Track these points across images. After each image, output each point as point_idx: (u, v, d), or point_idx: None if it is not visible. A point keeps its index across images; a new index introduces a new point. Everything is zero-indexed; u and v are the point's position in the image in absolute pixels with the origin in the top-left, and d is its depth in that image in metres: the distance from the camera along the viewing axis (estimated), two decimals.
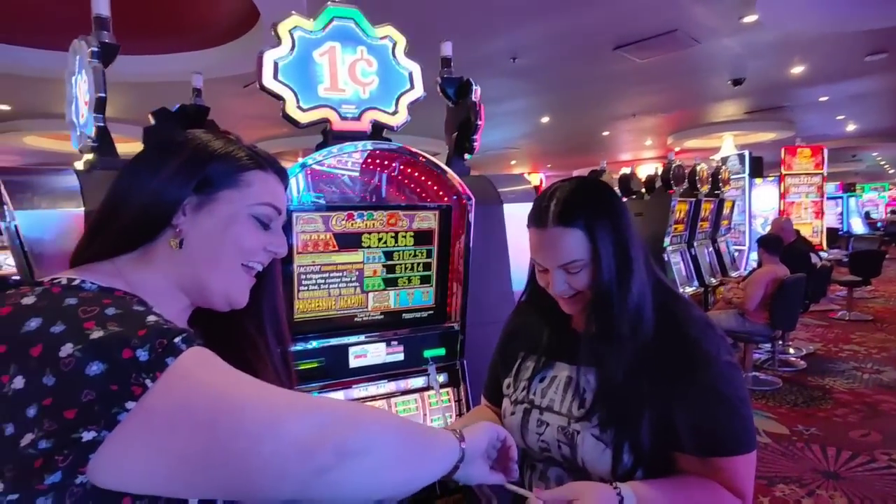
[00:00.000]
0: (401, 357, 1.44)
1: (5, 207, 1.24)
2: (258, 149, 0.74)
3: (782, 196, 8.34)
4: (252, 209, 0.69)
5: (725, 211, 5.68)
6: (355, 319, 1.39)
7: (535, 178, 11.00)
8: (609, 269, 0.88)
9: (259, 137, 8.94)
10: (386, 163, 1.40)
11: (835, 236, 11.23)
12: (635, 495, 0.82)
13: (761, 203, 8.40)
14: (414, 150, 1.35)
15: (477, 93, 1.65)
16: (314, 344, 1.34)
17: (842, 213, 13.48)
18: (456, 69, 1.70)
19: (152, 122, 1.49)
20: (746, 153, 8.36)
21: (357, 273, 1.35)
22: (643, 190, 5.01)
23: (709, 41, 5.16)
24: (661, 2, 4.25)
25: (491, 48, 5.15)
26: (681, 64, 5.84)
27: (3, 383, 0.47)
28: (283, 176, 0.75)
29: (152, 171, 0.66)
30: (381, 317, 1.42)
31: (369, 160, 1.38)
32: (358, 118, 1.35)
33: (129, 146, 1.48)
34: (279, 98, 1.25)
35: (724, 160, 8.03)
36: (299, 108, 1.27)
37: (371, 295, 1.39)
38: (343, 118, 1.33)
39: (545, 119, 8.85)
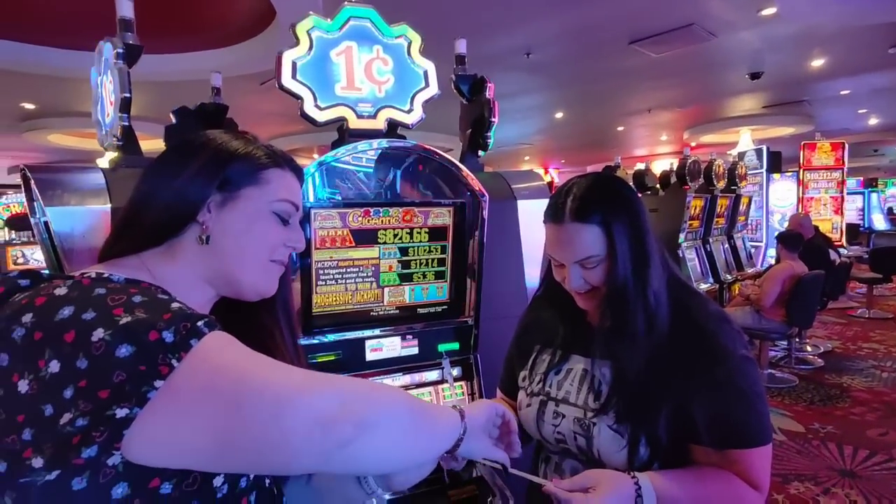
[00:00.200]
0: (415, 351, 1.47)
1: (35, 204, 1.29)
2: (275, 147, 0.77)
3: (801, 192, 8.20)
4: (273, 205, 0.72)
5: (742, 207, 5.61)
6: (371, 314, 1.41)
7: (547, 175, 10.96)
8: (625, 265, 0.89)
9: (276, 134, 9.03)
10: (401, 160, 1.42)
11: (855, 232, 11.01)
12: (652, 484, 0.83)
13: (779, 199, 8.28)
14: (428, 147, 1.38)
15: (491, 90, 1.67)
16: (331, 337, 1.37)
17: (863, 209, 13.20)
18: (470, 65, 1.72)
19: (173, 120, 1.54)
20: (764, 148, 8.25)
21: (373, 268, 1.38)
22: (658, 185, 4.98)
23: (726, 35, 5.09)
24: None
25: (505, 44, 5.14)
26: (697, 58, 5.76)
27: (40, 367, 0.50)
28: (299, 173, 0.78)
29: (176, 172, 0.69)
30: (397, 311, 1.45)
31: (385, 157, 1.40)
32: (374, 116, 1.37)
33: (149, 143, 1.52)
34: (297, 97, 1.28)
35: (742, 155, 7.93)
36: (317, 106, 1.30)
37: (387, 290, 1.41)
38: (359, 116, 1.36)
39: (559, 115, 8.80)
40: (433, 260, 1.45)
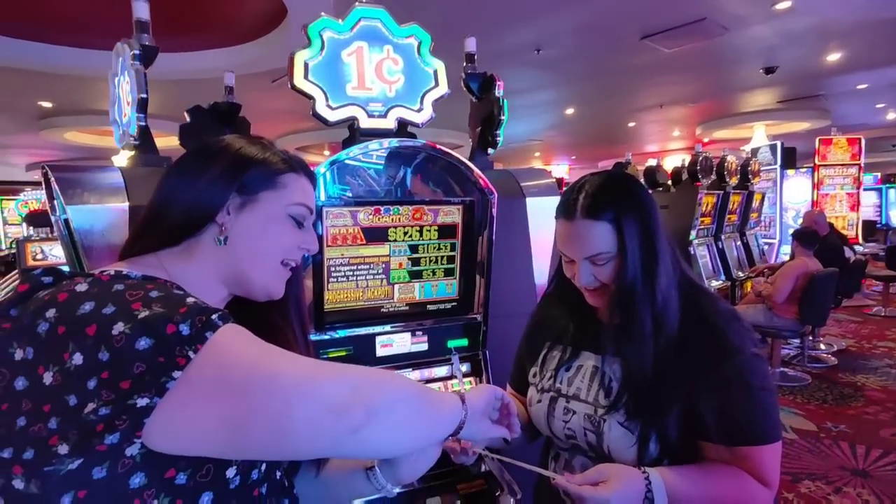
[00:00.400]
0: (425, 347, 1.49)
1: (56, 202, 1.33)
2: (290, 153, 0.80)
3: (815, 188, 8.08)
4: (288, 209, 0.75)
5: (755, 203, 5.55)
6: (382, 310, 1.44)
7: (559, 170, 10.87)
8: (635, 263, 0.89)
9: (287, 131, 9.09)
10: (411, 158, 1.44)
11: (872, 229, 10.83)
12: (662, 479, 0.83)
13: (793, 195, 8.16)
14: (438, 146, 1.39)
15: (500, 87, 1.68)
16: (342, 333, 1.39)
17: (880, 206, 12.97)
18: (480, 61, 1.73)
19: (187, 119, 1.57)
20: (778, 144, 8.13)
21: (383, 265, 1.40)
22: (669, 182, 4.94)
23: (739, 29, 5.03)
24: None
25: (515, 40, 5.12)
26: (710, 53, 5.70)
27: (64, 360, 0.52)
28: (312, 178, 0.81)
29: (196, 175, 0.72)
30: (407, 308, 1.47)
31: (395, 154, 1.42)
32: (384, 116, 1.39)
33: (163, 141, 1.56)
34: (309, 97, 1.30)
35: (755, 151, 7.83)
36: (328, 106, 1.32)
37: (397, 287, 1.43)
38: (370, 116, 1.37)
39: (569, 111, 8.75)
40: (442, 257, 1.47)
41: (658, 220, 0.92)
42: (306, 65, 1.29)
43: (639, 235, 0.89)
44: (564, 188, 1.04)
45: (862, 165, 8.08)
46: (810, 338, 4.77)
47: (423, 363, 1.48)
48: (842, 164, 8.02)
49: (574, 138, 11.63)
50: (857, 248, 6.51)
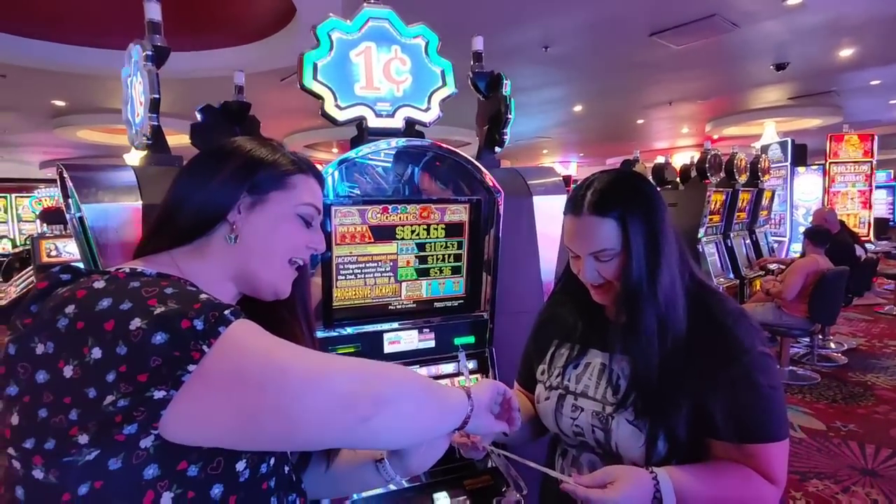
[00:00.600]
0: (432, 344, 1.50)
1: (70, 200, 1.36)
2: (299, 154, 0.82)
3: (827, 186, 7.99)
4: (297, 209, 0.77)
5: (765, 201, 5.50)
6: (389, 307, 1.45)
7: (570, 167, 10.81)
8: (639, 262, 0.90)
9: (296, 128, 9.13)
10: (418, 156, 1.45)
11: (884, 227, 10.69)
12: (671, 479, 0.84)
13: (804, 192, 8.08)
14: (445, 146, 1.40)
15: (507, 86, 1.68)
16: (350, 330, 1.41)
17: (893, 203, 12.80)
18: (487, 59, 1.73)
19: (199, 118, 1.59)
20: (789, 141, 8.05)
21: (391, 263, 1.42)
22: (678, 179, 4.92)
23: (749, 25, 4.98)
24: None
25: (523, 37, 5.11)
26: (720, 49, 5.65)
27: (84, 354, 0.54)
28: (320, 179, 0.83)
29: (208, 176, 0.74)
30: (414, 305, 1.48)
31: (403, 153, 1.43)
32: (392, 115, 1.40)
33: (173, 139, 1.58)
34: (319, 97, 1.32)
35: (765, 148, 7.76)
36: (337, 106, 1.34)
37: (404, 284, 1.45)
38: (378, 115, 1.39)
39: (578, 108, 8.72)
40: (450, 255, 1.48)
41: (665, 221, 0.92)
42: (315, 65, 1.30)
43: (644, 234, 0.90)
44: (572, 185, 1.05)
45: (874, 162, 7.98)
46: (820, 336, 4.73)
47: (431, 360, 1.50)
48: (854, 162, 7.92)
49: (582, 135, 11.58)
50: (868, 245, 6.43)
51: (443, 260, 1.48)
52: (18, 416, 0.55)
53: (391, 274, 1.43)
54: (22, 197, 11.49)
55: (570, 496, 0.84)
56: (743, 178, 4.91)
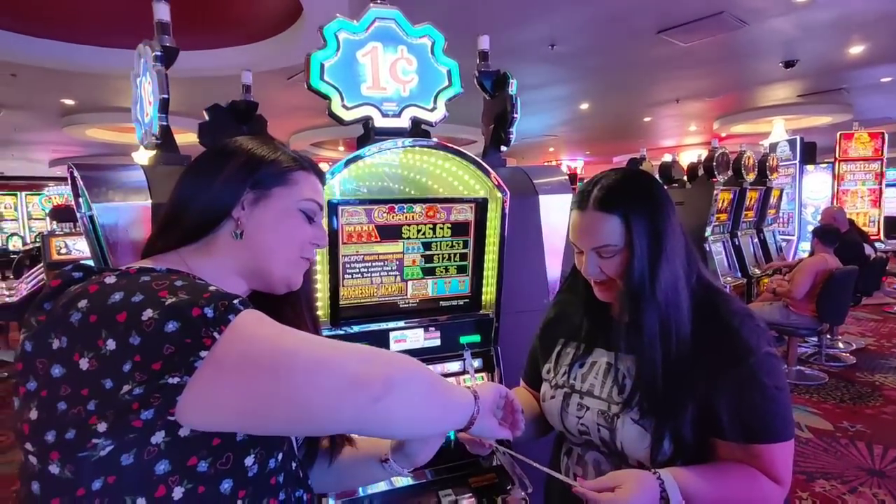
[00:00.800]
0: (438, 343, 1.51)
1: (81, 199, 1.38)
2: (299, 152, 0.84)
3: (836, 184, 7.92)
4: (300, 204, 0.79)
5: (773, 200, 5.47)
6: (395, 306, 1.46)
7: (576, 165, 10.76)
8: (641, 261, 0.90)
9: (303, 127, 9.15)
10: (424, 156, 1.46)
11: (894, 226, 10.58)
12: (675, 480, 0.84)
13: (813, 191, 8.01)
14: (451, 146, 1.41)
15: (513, 85, 1.69)
16: (356, 329, 1.42)
17: None
18: (493, 57, 1.73)
19: (206, 117, 1.60)
20: (798, 138, 7.98)
21: (397, 262, 1.43)
22: (685, 178, 4.89)
23: (757, 22, 4.94)
24: None
25: (529, 35, 5.10)
26: (728, 47, 5.61)
27: (99, 346, 0.55)
28: (321, 176, 0.85)
29: (212, 175, 0.76)
30: (420, 304, 1.49)
31: (409, 153, 1.44)
32: (398, 115, 1.41)
33: (181, 137, 1.60)
34: (325, 97, 1.33)
35: (774, 146, 7.70)
36: (344, 106, 1.35)
37: (410, 283, 1.46)
38: (384, 115, 1.40)
39: (584, 106, 8.69)
40: (455, 255, 1.49)
41: (671, 222, 0.92)
42: (322, 65, 1.31)
43: (647, 233, 0.90)
44: (578, 183, 1.06)
45: (885, 160, 7.89)
46: (828, 336, 4.70)
47: (436, 359, 1.51)
48: (864, 160, 7.84)
49: (589, 133, 11.54)
50: (878, 244, 6.37)
51: (448, 259, 1.49)
52: (38, 410, 0.57)
53: (397, 273, 1.43)
54: (32, 195, 11.61)
55: (576, 496, 0.85)
56: (751, 177, 4.88)
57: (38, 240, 7.83)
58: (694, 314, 0.92)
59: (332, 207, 1.29)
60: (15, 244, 10.81)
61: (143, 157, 1.59)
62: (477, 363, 1.53)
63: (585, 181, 1.00)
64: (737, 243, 4.84)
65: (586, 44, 5.48)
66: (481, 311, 1.55)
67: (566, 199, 1.70)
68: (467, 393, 0.79)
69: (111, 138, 9.04)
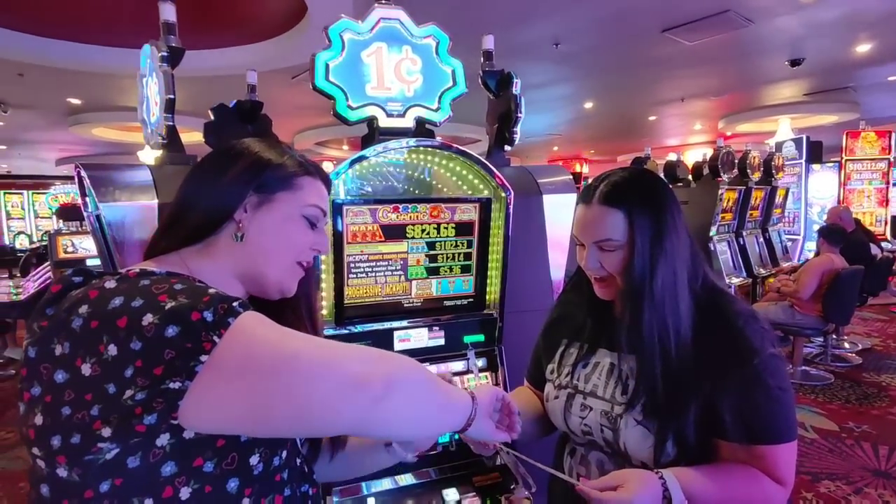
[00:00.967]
0: (442, 342, 1.51)
1: (88, 199, 1.39)
2: (306, 157, 0.83)
3: (842, 183, 7.87)
4: (304, 210, 0.78)
5: (778, 199, 5.44)
6: (399, 306, 1.47)
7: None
8: (642, 258, 0.90)
9: (307, 126, 9.17)
10: (429, 156, 1.46)
11: None
12: (678, 480, 0.84)
13: (819, 190, 7.96)
14: (455, 146, 1.41)
15: (517, 85, 1.69)
16: (361, 328, 1.43)
17: None
18: (498, 56, 1.73)
19: (212, 117, 1.61)
20: (804, 137, 7.93)
21: (401, 262, 1.43)
22: (690, 177, 4.88)
23: (763, 21, 4.92)
24: None
25: (533, 34, 5.09)
26: (733, 45, 5.58)
27: (101, 352, 0.56)
28: (327, 182, 0.84)
29: (216, 176, 0.76)
30: (424, 304, 1.49)
31: (413, 152, 1.44)
32: (403, 115, 1.41)
33: (186, 136, 1.60)
34: (330, 97, 1.34)
35: (780, 145, 7.66)
36: (349, 106, 1.35)
37: (414, 283, 1.46)
38: (389, 115, 1.40)
39: (589, 105, 8.66)
40: (459, 254, 1.49)
41: (675, 222, 0.92)
42: (327, 66, 1.32)
43: (650, 232, 0.90)
44: (583, 181, 1.06)
45: (892, 160, 7.83)
46: (834, 336, 4.67)
47: (440, 358, 1.51)
48: (870, 159, 7.79)
49: (593, 132, 11.50)
50: (884, 244, 6.33)
51: (452, 259, 1.49)
52: (43, 415, 0.57)
53: (401, 272, 1.44)
54: (38, 193, 11.69)
55: (580, 495, 0.85)
56: (756, 176, 4.86)
57: (44, 238, 7.88)
58: (698, 315, 0.92)
59: (337, 207, 1.29)
60: (22, 242, 10.89)
61: (149, 155, 1.60)
62: (481, 363, 1.54)
63: (592, 178, 1.01)
64: (742, 243, 4.81)
65: (591, 43, 5.47)
66: (485, 311, 1.56)
67: (570, 199, 1.70)
68: (465, 394, 0.79)
69: (117, 137, 9.08)
